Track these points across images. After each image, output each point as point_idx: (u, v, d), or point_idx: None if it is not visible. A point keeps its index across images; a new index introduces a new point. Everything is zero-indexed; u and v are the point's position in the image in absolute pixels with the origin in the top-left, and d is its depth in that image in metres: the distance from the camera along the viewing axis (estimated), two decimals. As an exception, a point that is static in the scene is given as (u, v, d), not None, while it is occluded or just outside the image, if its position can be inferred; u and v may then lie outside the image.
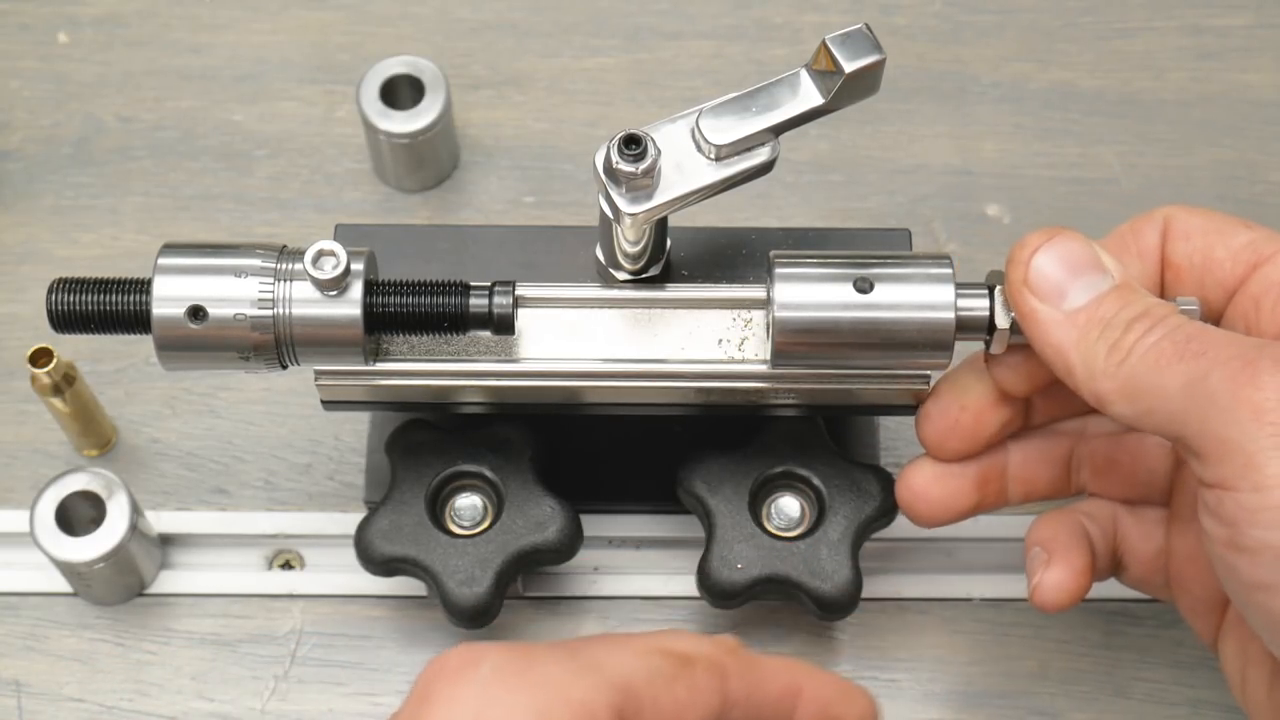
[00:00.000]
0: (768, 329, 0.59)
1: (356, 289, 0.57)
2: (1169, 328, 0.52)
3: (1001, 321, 0.57)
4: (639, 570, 0.70)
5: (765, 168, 0.57)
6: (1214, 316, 0.58)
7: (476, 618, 0.63)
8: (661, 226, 0.60)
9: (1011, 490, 0.62)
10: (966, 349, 0.60)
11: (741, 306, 0.61)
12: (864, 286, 0.57)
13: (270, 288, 0.56)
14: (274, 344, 0.57)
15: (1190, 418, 0.50)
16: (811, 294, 0.57)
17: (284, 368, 0.58)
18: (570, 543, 0.64)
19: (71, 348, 0.70)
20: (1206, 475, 0.50)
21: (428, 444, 0.65)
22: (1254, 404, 0.48)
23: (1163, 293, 0.58)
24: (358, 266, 0.57)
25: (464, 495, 0.65)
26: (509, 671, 0.48)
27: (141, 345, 0.73)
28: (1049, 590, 0.60)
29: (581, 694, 0.48)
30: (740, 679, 0.51)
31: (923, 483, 0.61)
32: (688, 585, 0.66)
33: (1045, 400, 0.61)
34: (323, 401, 0.62)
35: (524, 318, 0.60)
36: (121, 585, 0.69)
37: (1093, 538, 0.61)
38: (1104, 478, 0.62)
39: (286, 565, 0.71)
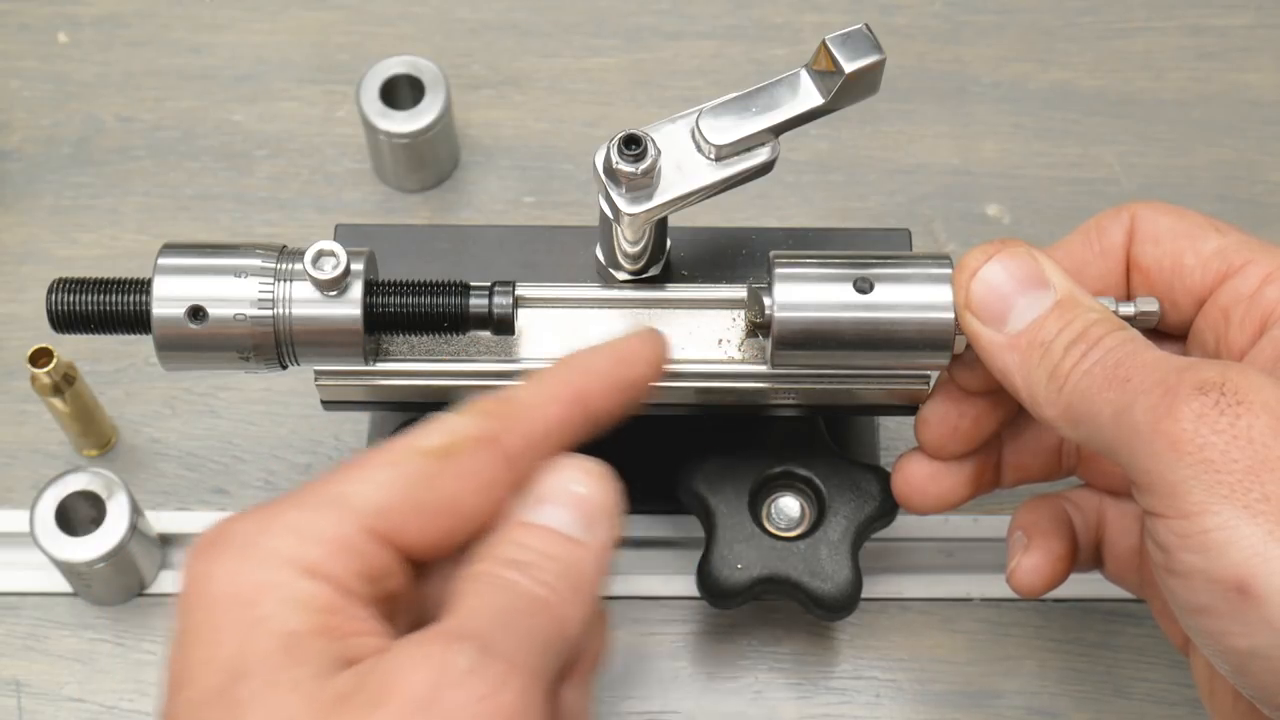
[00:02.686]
0: (748, 327, 0.60)
1: (356, 289, 0.56)
2: (1103, 350, 0.52)
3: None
4: (639, 570, 0.70)
5: (765, 168, 0.57)
6: (1184, 323, 0.58)
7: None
8: (661, 226, 0.60)
9: (1005, 476, 0.62)
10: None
11: (742, 307, 0.61)
12: (864, 287, 0.56)
13: (270, 288, 0.56)
14: (274, 344, 0.56)
15: (1121, 446, 0.50)
16: (811, 294, 0.56)
17: (284, 368, 0.58)
18: (570, 543, 0.64)
19: (71, 348, 0.70)
20: (1142, 502, 0.50)
21: (428, 444, 0.65)
22: (1171, 436, 0.48)
23: (1129, 294, 0.58)
24: (358, 266, 0.57)
25: (464, 495, 0.65)
26: (254, 532, 0.48)
27: (141, 345, 0.73)
28: (1025, 574, 0.60)
29: (332, 531, 0.47)
30: (513, 432, 0.50)
31: (920, 479, 0.61)
32: (688, 585, 0.66)
33: None
34: (323, 401, 0.62)
35: (524, 318, 0.60)
36: (121, 585, 0.69)
37: (1076, 526, 0.61)
38: (1089, 466, 0.62)
39: (286, 565, 0.70)
